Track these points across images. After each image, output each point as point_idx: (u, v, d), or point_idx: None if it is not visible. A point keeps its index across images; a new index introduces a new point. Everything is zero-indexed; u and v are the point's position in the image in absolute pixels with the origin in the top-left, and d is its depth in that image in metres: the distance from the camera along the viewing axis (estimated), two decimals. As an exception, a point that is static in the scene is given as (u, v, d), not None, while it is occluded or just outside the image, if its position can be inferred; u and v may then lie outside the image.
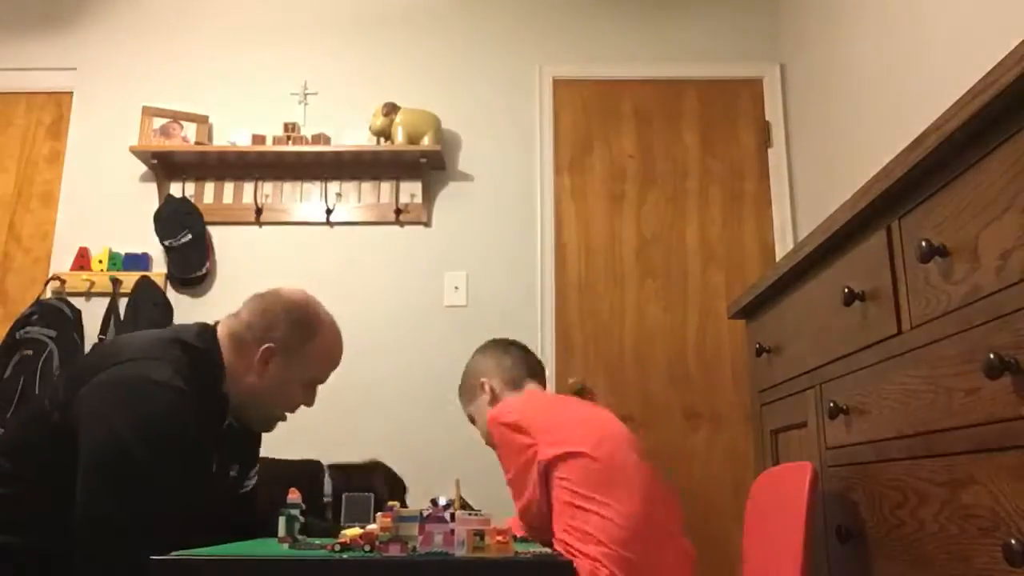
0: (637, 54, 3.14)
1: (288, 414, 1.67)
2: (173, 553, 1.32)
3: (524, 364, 1.87)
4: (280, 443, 2.80)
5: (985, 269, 1.00)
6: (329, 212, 2.99)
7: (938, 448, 1.10)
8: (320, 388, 2.84)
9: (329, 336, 1.63)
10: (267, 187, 3.03)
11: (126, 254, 2.96)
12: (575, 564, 1.40)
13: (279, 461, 2.16)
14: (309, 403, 1.66)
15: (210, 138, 3.05)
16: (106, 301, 2.89)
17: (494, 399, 1.79)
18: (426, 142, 2.91)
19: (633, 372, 2.91)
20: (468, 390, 1.89)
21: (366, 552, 1.29)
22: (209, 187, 3.04)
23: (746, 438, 2.62)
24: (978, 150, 1.02)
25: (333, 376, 2.84)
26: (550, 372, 2.88)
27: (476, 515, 1.30)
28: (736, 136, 3.05)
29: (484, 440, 1.83)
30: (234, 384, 1.53)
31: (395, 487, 2.23)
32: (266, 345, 1.54)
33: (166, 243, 2.91)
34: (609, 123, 3.10)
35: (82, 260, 2.95)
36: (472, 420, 1.90)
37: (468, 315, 2.91)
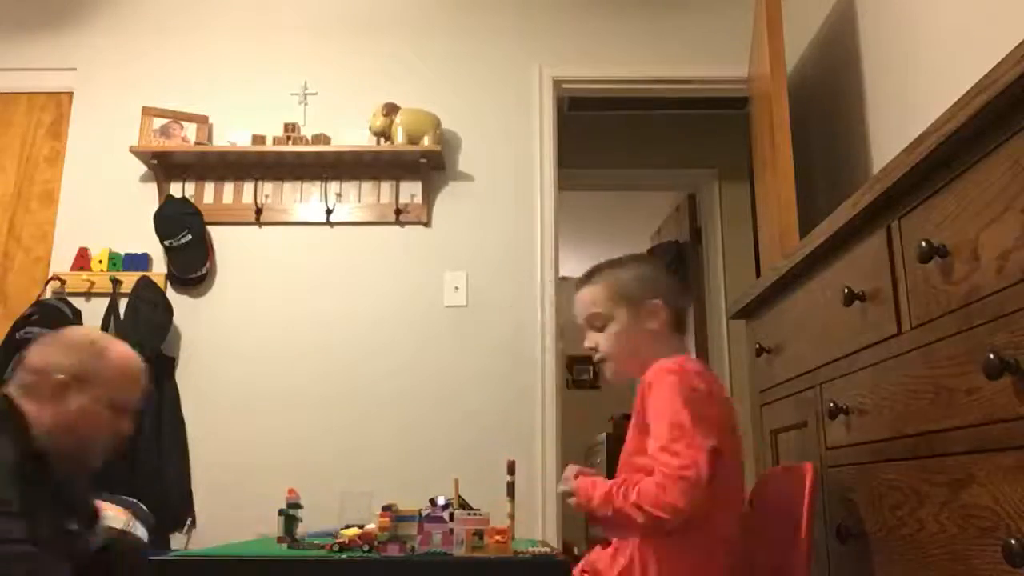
0: (639, 54, 3.14)
1: (119, 444, 1.61)
2: (172, 553, 1.31)
3: (687, 305, 1.61)
4: (283, 443, 2.81)
5: (985, 269, 1.00)
6: (329, 212, 2.99)
7: (938, 448, 1.10)
8: (320, 388, 2.87)
9: (118, 354, 1.60)
10: (267, 187, 3.03)
11: (126, 254, 2.96)
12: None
13: None
14: (125, 429, 1.61)
15: (210, 138, 3.05)
16: (106, 301, 2.89)
17: (658, 333, 1.50)
18: (426, 142, 2.91)
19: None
20: (629, 297, 1.52)
21: (365, 552, 1.29)
22: (209, 187, 3.04)
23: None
24: (978, 150, 1.02)
25: (334, 376, 2.87)
26: (551, 372, 2.88)
27: (475, 514, 1.30)
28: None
29: (600, 351, 1.54)
30: (41, 430, 1.48)
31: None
32: (56, 377, 1.51)
33: (166, 243, 2.91)
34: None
35: (82, 260, 2.95)
36: (596, 320, 1.55)
37: (468, 315, 2.91)
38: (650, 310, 1.50)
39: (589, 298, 1.57)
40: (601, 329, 1.54)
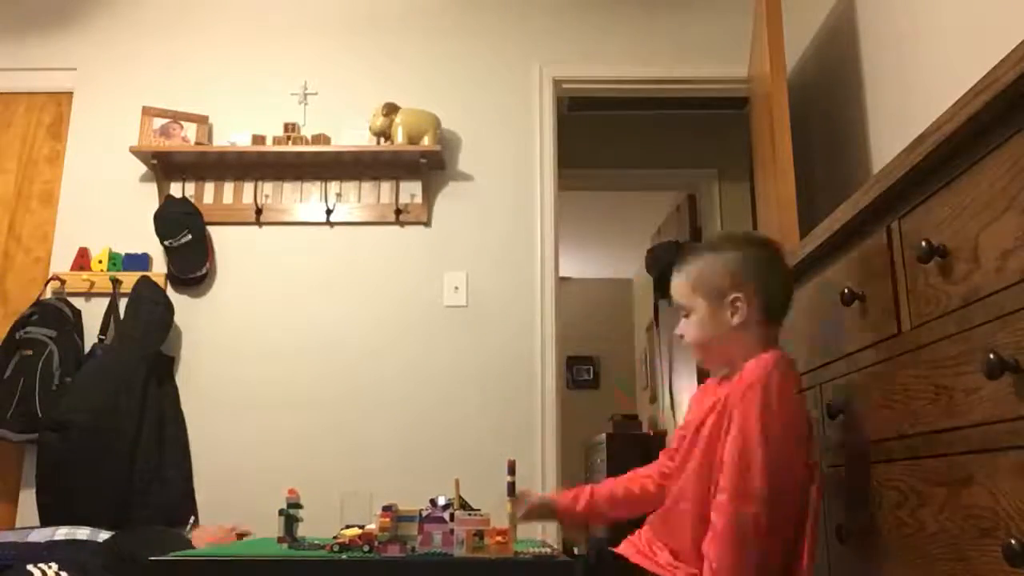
0: (638, 54, 3.14)
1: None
2: (172, 553, 1.31)
3: (787, 296, 1.46)
4: (283, 443, 2.81)
5: (985, 269, 1.00)
6: (329, 212, 2.99)
7: (938, 448, 1.10)
8: (320, 387, 2.87)
9: None
10: (267, 187, 3.03)
11: (126, 254, 2.96)
12: None
13: None
14: None
15: (210, 138, 3.05)
16: (106, 301, 2.89)
17: (740, 326, 1.40)
18: (426, 142, 2.91)
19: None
20: (711, 287, 1.44)
21: (365, 552, 1.29)
22: (209, 187, 3.04)
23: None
24: (978, 150, 1.02)
25: (334, 376, 2.87)
26: (551, 372, 2.88)
27: (475, 515, 1.30)
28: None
29: (684, 334, 1.50)
30: None
31: None
32: None
33: (166, 243, 2.91)
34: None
35: (82, 260, 2.95)
36: (681, 306, 1.50)
37: (468, 315, 2.91)
38: (731, 302, 1.41)
39: (674, 288, 1.52)
40: (687, 316, 1.49)
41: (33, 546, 2.27)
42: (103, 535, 2.37)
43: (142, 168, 3.03)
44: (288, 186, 3.04)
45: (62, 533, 2.36)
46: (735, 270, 1.43)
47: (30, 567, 1.99)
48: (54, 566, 2.02)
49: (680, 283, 1.50)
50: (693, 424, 1.42)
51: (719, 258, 1.46)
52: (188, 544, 2.31)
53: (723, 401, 1.34)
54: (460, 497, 1.63)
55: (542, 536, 2.72)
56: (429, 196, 3.01)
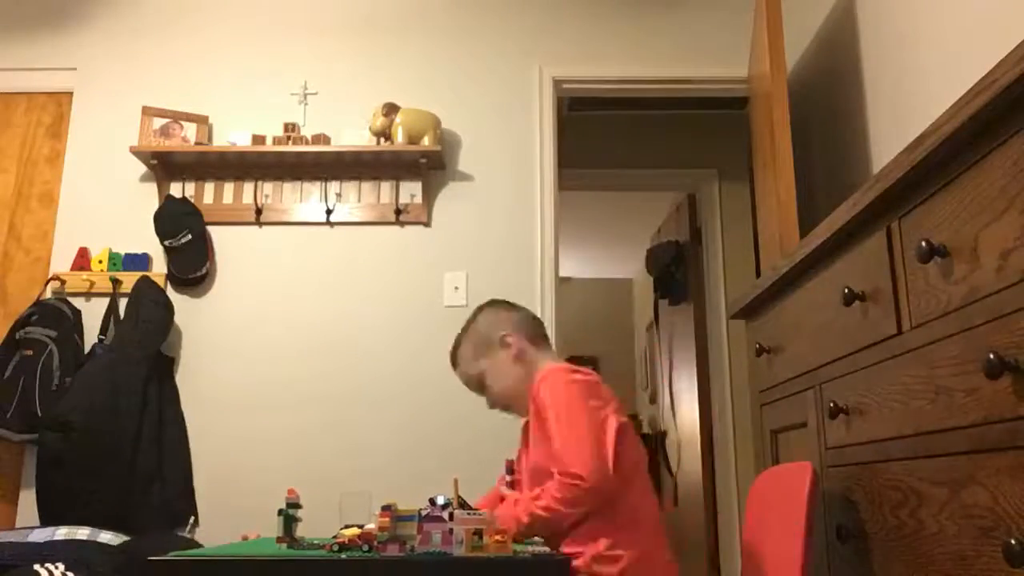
0: (639, 54, 3.14)
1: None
2: (172, 553, 1.31)
3: (536, 321, 1.85)
4: (283, 443, 2.81)
5: (985, 269, 1.00)
6: (329, 212, 2.99)
7: (938, 448, 1.10)
8: (320, 387, 2.87)
9: None
10: (267, 187, 3.03)
11: (126, 254, 2.96)
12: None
13: None
14: None
15: (210, 138, 3.05)
16: (106, 301, 2.89)
17: (519, 355, 1.76)
18: (426, 142, 2.91)
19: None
20: (479, 345, 1.80)
21: (364, 552, 1.29)
22: (209, 187, 3.04)
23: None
24: (978, 150, 1.02)
25: (334, 376, 2.86)
26: (550, 372, 2.88)
27: (474, 514, 1.30)
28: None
29: (491, 403, 1.84)
30: None
31: None
32: None
33: (166, 243, 2.91)
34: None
35: (82, 260, 2.95)
36: (476, 381, 1.83)
37: (468, 315, 2.90)
38: (500, 340, 1.75)
39: (464, 380, 1.85)
40: (486, 387, 1.80)
41: (33, 546, 2.27)
42: (103, 535, 2.37)
43: (142, 168, 3.03)
44: (288, 186, 3.04)
45: (62, 533, 2.36)
46: (489, 322, 1.82)
47: (37, 567, 1.99)
48: (60, 566, 2.02)
49: (463, 369, 1.84)
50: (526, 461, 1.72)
51: (473, 327, 1.85)
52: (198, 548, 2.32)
53: (534, 414, 1.63)
54: (459, 497, 1.63)
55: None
56: (429, 196, 3.01)
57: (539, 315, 2.88)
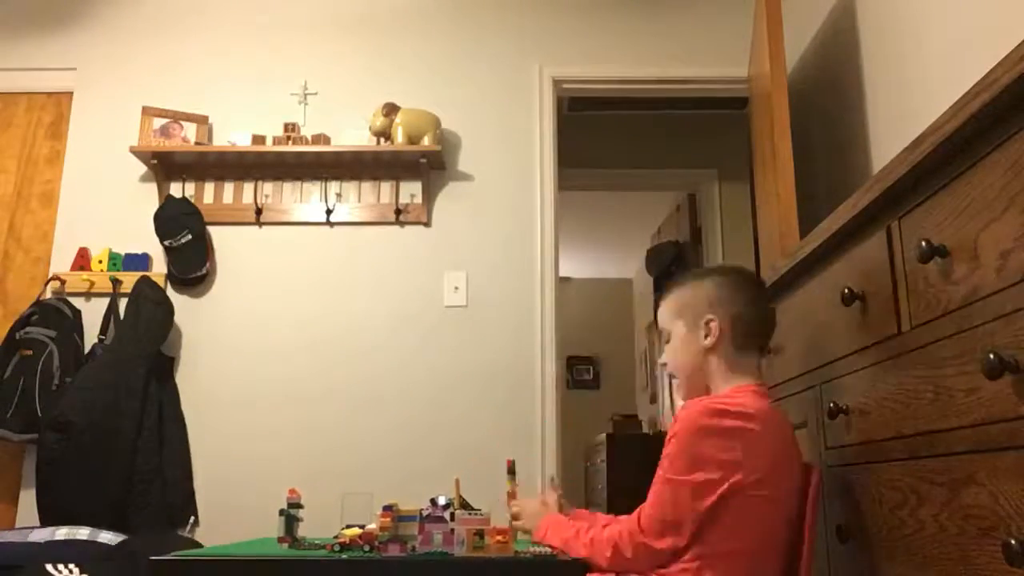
0: (639, 54, 3.14)
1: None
2: (172, 553, 1.32)
3: (761, 324, 1.51)
4: (283, 443, 2.81)
5: (985, 269, 1.00)
6: (329, 212, 2.99)
7: (938, 448, 1.10)
8: (320, 388, 2.87)
9: None
10: (267, 187, 3.03)
11: (126, 254, 2.96)
12: None
13: None
14: None
15: (210, 138, 3.05)
16: (106, 301, 2.89)
17: (712, 349, 1.47)
18: (426, 142, 2.91)
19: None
20: (687, 307, 1.51)
21: (365, 552, 1.29)
22: (209, 187, 3.04)
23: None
24: (978, 150, 1.02)
25: (334, 377, 2.87)
26: (550, 372, 2.88)
27: (476, 514, 1.30)
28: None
29: (666, 361, 1.60)
30: None
31: None
32: None
33: (166, 243, 2.91)
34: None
35: (82, 260, 2.95)
36: (664, 331, 1.58)
37: (468, 315, 2.91)
38: (705, 323, 1.47)
39: (660, 314, 1.61)
40: (668, 342, 1.57)
41: (33, 546, 2.27)
42: (103, 535, 2.37)
43: (142, 168, 3.03)
44: (288, 186, 3.04)
45: (62, 533, 2.36)
46: (711, 294, 1.50)
47: (49, 567, 1.99)
48: (75, 569, 2.02)
49: (664, 307, 1.58)
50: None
51: (700, 284, 1.53)
52: (194, 546, 2.32)
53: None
54: (460, 497, 1.63)
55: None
56: (429, 196, 3.01)
57: (539, 315, 2.90)
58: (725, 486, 1.28)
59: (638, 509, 1.35)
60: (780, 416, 1.42)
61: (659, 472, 1.35)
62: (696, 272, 1.61)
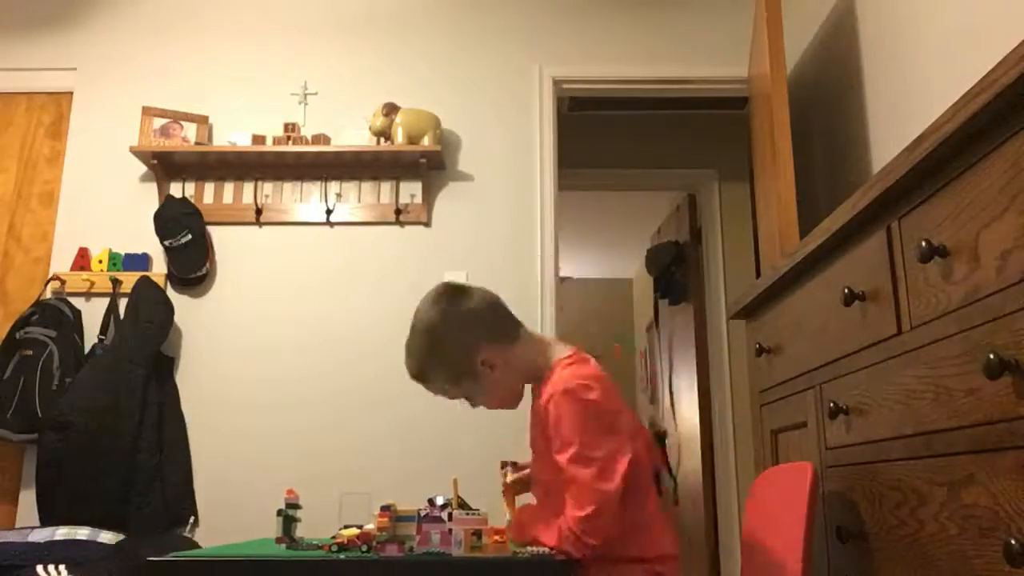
0: (639, 54, 3.14)
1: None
2: (172, 554, 1.31)
3: (496, 310, 1.55)
4: (282, 443, 2.81)
5: (985, 269, 1.00)
6: (329, 212, 2.99)
7: (938, 448, 1.10)
8: (320, 388, 2.87)
9: None
10: (267, 187, 3.03)
11: (126, 254, 2.96)
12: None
13: None
14: None
15: (210, 138, 3.05)
16: (106, 301, 2.89)
17: (506, 364, 1.51)
18: (426, 142, 2.91)
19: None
20: (455, 372, 1.51)
21: (363, 552, 1.29)
22: (209, 187, 3.04)
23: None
24: (977, 150, 1.02)
25: (334, 377, 2.86)
26: (550, 372, 2.88)
27: (474, 515, 1.29)
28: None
29: (478, 405, 1.65)
30: None
31: None
32: None
33: (166, 243, 2.91)
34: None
35: (82, 260, 2.95)
36: (457, 397, 1.62)
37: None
38: (483, 365, 1.50)
39: (438, 392, 1.61)
40: (471, 401, 1.63)
41: (33, 546, 2.27)
42: (103, 535, 2.37)
43: (142, 168, 3.03)
44: (288, 186, 3.04)
45: (62, 533, 2.36)
46: (454, 341, 1.49)
47: (39, 568, 1.99)
48: (63, 568, 2.02)
49: (436, 389, 1.58)
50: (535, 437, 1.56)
51: (432, 346, 1.51)
52: (193, 546, 2.32)
53: (541, 426, 1.48)
54: (458, 497, 1.63)
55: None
56: (429, 196, 3.01)
57: (539, 315, 2.90)
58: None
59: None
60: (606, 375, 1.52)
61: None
62: (415, 338, 1.55)
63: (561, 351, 1.55)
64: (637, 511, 1.45)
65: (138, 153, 2.96)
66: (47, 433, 2.62)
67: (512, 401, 1.59)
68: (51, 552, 2.22)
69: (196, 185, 3.03)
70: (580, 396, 1.41)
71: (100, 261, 2.94)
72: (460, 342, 1.50)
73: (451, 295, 1.55)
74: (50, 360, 2.75)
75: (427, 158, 2.92)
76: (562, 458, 1.39)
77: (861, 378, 1.36)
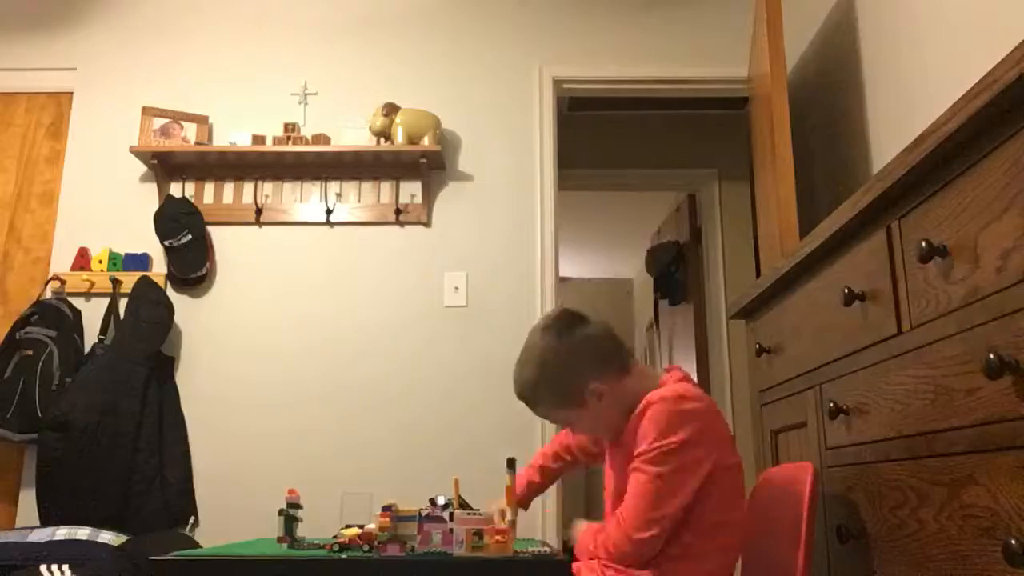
0: (639, 54, 3.14)
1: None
2: (173, 553, 1.32)
3: (613, 339, 1.51)
4: (283, 444, 2.81)
5: (985, 269, 1.00)
6: (329, 212, 2.99)
7: (938, 448, 1.10)
8: (320, 388, 2.87)
9: None
10: (267, 187, 3.03)
11: (126, 254, 2.96)
12: None
13: None
14: None
15: (210, 138, 3.05)
16: (106, 301, 2.89)
17: (612, 395, 1.46)
18: (426, 142, 2.91)
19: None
20: (562, 396, 1.49)
21: (365, 552, 1.29)
22: (209, 187, 3.04)
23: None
24: (977, 150, 1.02)
25: (334, 376, 2.87)
26: (550, 372, 2.88)
27: (475, 514, 1.30)
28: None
29: (580, 431, 1.65)
30: None
31: None
32: None
33: (166, 243, 2.91)
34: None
35: (82, 260, 2.95)
36: (561, 422, 1.64)
37: (468, 315, 2.91)
38: (592, 394, 1.45)
39: (547, 416, 1.63)
40: (572, 426, 1.60)
41: (33, 546, 2.27)
42: (103, 535, 2.37)
43: (142, 168, 3.03)
44: (288, 186, 3.04)
45: (62, 533, 2.37)
46: (567, 368, 1.46)
47: (42, 568, 1.99)
48: (66, 568, 2.02)
49: (545, 411, 1.56)
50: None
51: (545, 368, 1.48)
52: (198, 547, 2.32)
53: (631, 442, 1.40)
54: (459, 497, 1.63)
55: (541, 536, 2.72)
56: (429, 196, 3.01)
57: (539, 315, 2.89)
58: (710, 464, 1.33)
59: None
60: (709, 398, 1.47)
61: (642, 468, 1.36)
62: (529, 355, 1.53)
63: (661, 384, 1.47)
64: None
65: (138, 153, 2.96)
66: (47, 433, 2.62)
67: (609, 433, 1.53)
68: (51, 552, 2.22)
69: (196, 185, 3.03)
70: (674, 410, 1.35)
71: (100, 261, 2.94)
72: (572, 371, 1.46)
73: (568, 321, 1.52)
74: (50, 360, 2.75)
75: (427, 158, 2.92)
76: (637, 469, 1.35)
77: (861, 378, 1.36)
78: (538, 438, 2.80)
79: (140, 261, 2.95)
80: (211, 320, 2.92)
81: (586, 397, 1.45)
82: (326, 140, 2.97)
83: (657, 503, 1.31)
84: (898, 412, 1.22)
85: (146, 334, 2.79)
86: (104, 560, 2.14)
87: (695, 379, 3.83)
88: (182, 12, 3.21)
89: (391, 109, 2.93)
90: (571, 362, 1.46)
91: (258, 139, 2.96)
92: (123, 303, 2.87)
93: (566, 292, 3.37)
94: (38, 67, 3.18)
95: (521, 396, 1.54)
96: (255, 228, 3.00)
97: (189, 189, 3.02)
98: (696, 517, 1.33)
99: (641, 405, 1.38)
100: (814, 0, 2.78)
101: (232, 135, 3.00)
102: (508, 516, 1.62)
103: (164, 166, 3.01)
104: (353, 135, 2.99)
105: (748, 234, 3.78)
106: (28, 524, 2.61)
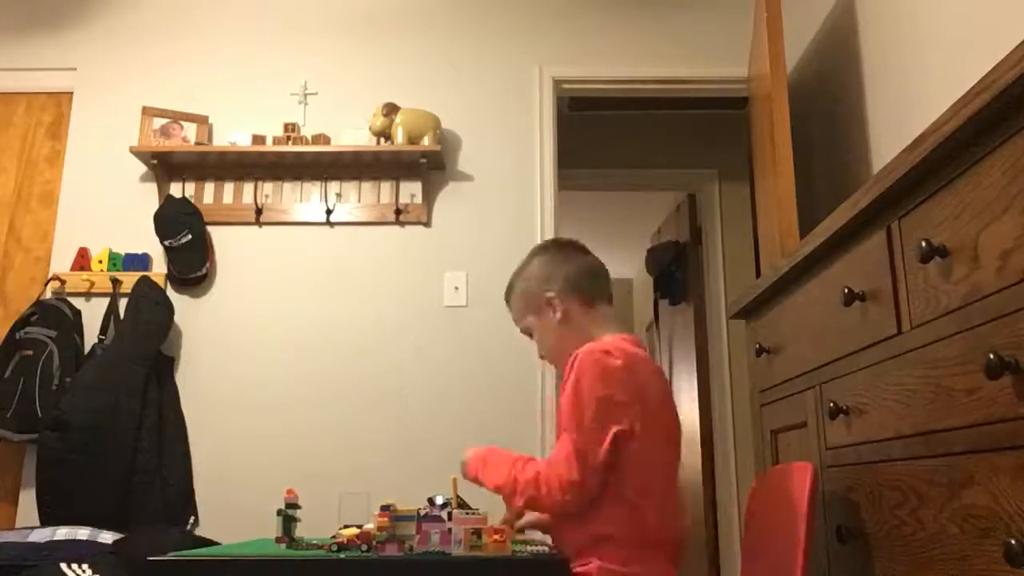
0: (639, 54, 3.14)
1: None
2: (172, 553, 1.32)
3: (594, 276, 1.67)
4: (282, 443, 2.81)
5: (985, 269, 1.00)
6: (329, 212, 2.99)
7: (938, 448, 1.10)
8: (320, 388, 2.87)
9: None
10: (267, 187, 3.03)
11: (126, 254, 2.96)
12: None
13: None
14: None
15: (210, 138, 3.05)
16: (106, 301, 2.89)
17: (565, 318, 1.60)
18: (426, 142, 2.91)
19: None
20: (528, 299, 1.65)
21: (363, 552, 1.29)
22: (209, 187, 3.04)
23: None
24: (978, 150, 1.02)
25: (334, 376, 2.87)
26: (550, 372, 2.88)
27: (473, 514, 1.30)
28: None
29: (541, 354, 1.74)
30: None
31: None
32: None
33: (166, 243, 2.91)
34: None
35: (82, 260, 2.95)
36: (524, 330, 1.73)
37: (468, 315, 2.91)
38: (547, 302, 1.61)
39: (514, 319, 1.74)
40: (532, 337, 1.70)
41: (33, 546, 2.27)
42: (103, 535, 2.37)
43: (142, 168, 3.03)
44: (288, 186, 3.04)
45: (62, 533, 2.36)
46: (538, 274, 1.66)
47: (63, 566, 1.99)
48: (86, 568, 2.02)
49: (512, 310, 1.73)
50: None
51: (525, 273, 1.70)
52: (194, 541, 2.32)
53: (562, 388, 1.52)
54: (458, 496, 1.63)
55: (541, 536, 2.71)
56: (429, 196, 3.01)
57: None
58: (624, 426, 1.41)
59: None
60: (654, 364, 1.58)
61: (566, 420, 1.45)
62: (520, 266, 1.74)
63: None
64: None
65: (138, 153, 2.96)
66: (47, 433, 2.62)
67: (558, 362, 1.63)
68: (51, 552, 2.22)
69: (196, 185, 3.03)
70: (599, 364, 1.44)
71: (100, 261, 2.94)
72: (541, 279, 1.65)
73: (563, 243, 1.74)
74: (50, 360, 2.75)
75: (427, 158, 2.92)
76: (564, 413, 1.46)
77: (861, 378, 1.36)
78: (538, 438, 2.80)
79: (140, 261, 2.95)
80: (211, 320, 2.92)
81: (543, 303, 1.62)
82: (326, 140, 2.97)
83: (577, 454, 1.40)
84: (898, 412, 1.22)
85: (146, 334, 2.79)
86: (104, 559, 2.14)
87: (695, 379, 3.82)
88: (182, 12, 3.21)
89: (391, 109, 2.92)
90: (544, 272, 1.66)
91: (258, 139, 2.96)
92: (123, 303, 2.87)
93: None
94: (38, 67, 3.18)
95: (505, 297, 1.74)
96: (255, 228, 3.00)
97: (189, 189, 3.02)
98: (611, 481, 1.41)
99: (574, 354, 1.49)
100: (814, 0, 2.78)
101: (232, 135, 3.00)
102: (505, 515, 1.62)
103: (164, 166, 3.01)
104: (353, 135, 2.99)
105: (748, 234, 3.78)
106: (28, 524, 2.61)
